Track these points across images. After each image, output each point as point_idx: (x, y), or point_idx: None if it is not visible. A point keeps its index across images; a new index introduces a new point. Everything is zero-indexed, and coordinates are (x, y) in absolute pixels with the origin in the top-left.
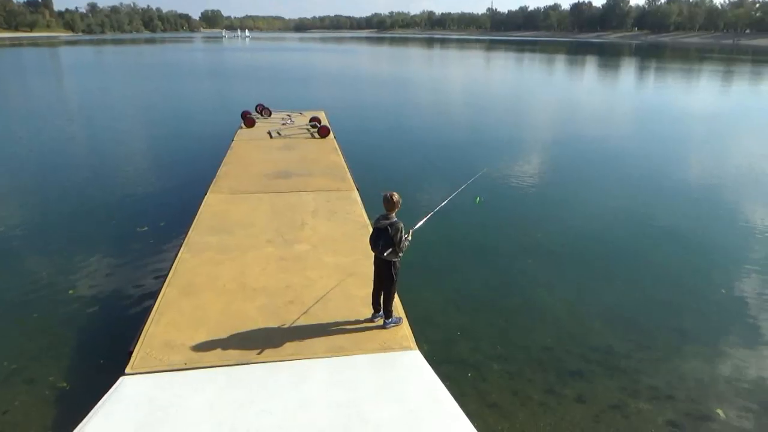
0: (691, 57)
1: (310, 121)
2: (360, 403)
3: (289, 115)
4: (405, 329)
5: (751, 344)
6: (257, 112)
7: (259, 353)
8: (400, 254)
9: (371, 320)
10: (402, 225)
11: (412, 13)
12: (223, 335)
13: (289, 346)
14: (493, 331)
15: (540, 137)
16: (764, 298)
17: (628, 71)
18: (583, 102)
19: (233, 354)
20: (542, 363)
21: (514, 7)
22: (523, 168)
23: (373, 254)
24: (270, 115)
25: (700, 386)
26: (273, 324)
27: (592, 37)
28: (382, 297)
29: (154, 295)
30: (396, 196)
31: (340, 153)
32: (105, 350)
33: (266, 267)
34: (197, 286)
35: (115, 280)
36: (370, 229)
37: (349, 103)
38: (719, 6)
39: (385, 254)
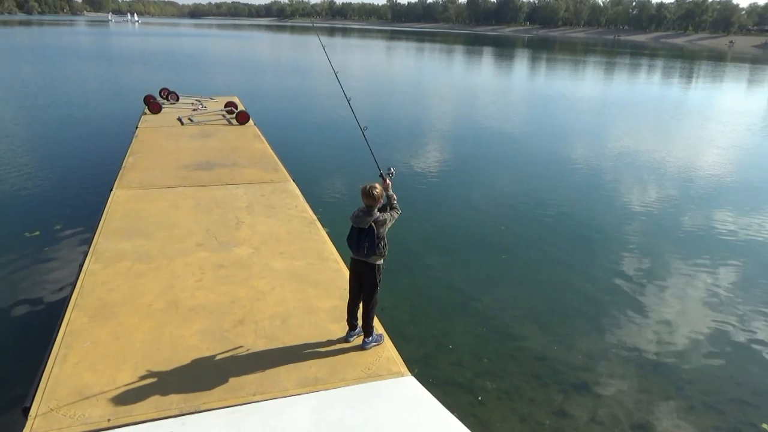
0: (578, 50)
1: (225, 106)
2: None
3: (199, 101)
4: (389, 350)
5: None
6: (162, 97)
7: (210, 396)
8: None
9: (346, 340)
10: (387, 216)
11: (313, 2)
12: (158, 374)
13: (249, 383)
14: (473, 340)
15: (453, 127)
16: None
17: (527, 63)
18: (489, 92)
19: (175, 400)
20: (539, 376)
21: None
22: (442, 159)
23: (321, 260)
24: (177, 100)
25: (730, 391)
26: (222, 353)
27: (488, 30)
28: (360, 310)
29: (54, 322)
30: (378, 190)
31: (264, 140)
32: None
33: (202, 278)
34: (113, 307)
35: None
36: (319, 226)
37: (262, 89)
38: (601, 3)
39: (370, 257)
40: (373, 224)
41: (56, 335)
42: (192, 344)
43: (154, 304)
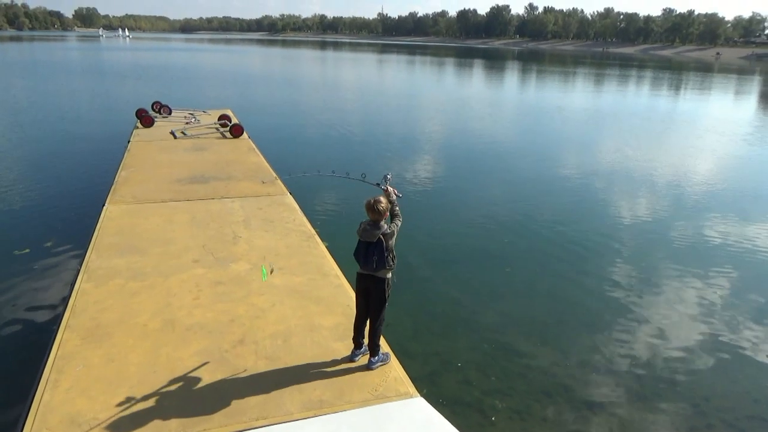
0: (569, 62)
1: (219, 119)
2: None
3: (192, 114)
4: (396, 369)
5: None
6: (154, 110)
7: (210, 422)
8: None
9: (351, 359)
10: (394, 227)
11: (303, 16)
12: (154, 398)
13: (251, 407)
14: (479, 356)
15: (451, 139)
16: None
17: (520, 75)
18: (485, 103)
19: (173, 426)
20: (549, 394)
21: (404, 13)
22: (439, 169)
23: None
24: (170, 113)
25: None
26: (221, 374)
27: (478, 43)
28: (367, 327)
29: (44, 345)
30: (383, 204)
31: (259, 153)
32: None
33: (199, 295)
34: (107, 328)
35: None
36: (318, 240)
37: (255, 102)
38: (589, 17)
39: (379, 271)
40: (381, 237)
41: (47, 359)
42: (190, 366)
43: (150, 323)
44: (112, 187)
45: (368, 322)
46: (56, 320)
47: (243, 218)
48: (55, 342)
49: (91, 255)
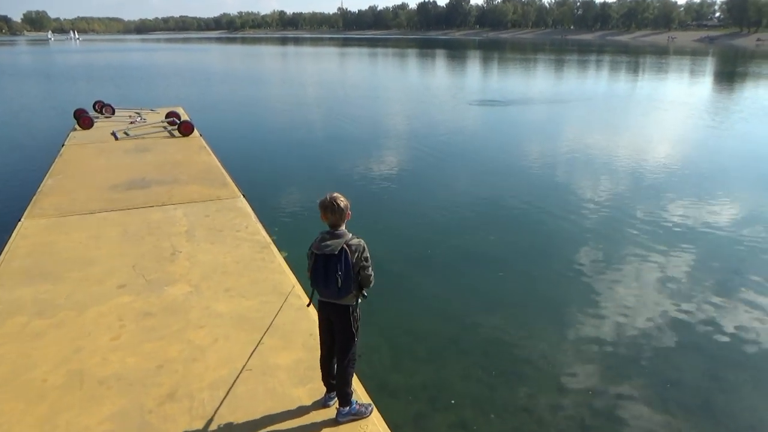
0: (528, 50)
1: (166, 117)
2: None
3: (138, 113)
4: (375, 422)
5: None
6: (96, 110)
7: None
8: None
9: (324, 405)
10: (365, 243)
11: (263, 13)
12: None
13: None
14: (474, 387)
15: (423, 131)
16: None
17: (491, 64)
18: (463, 91)
19: None
20: None
21: (364, 7)
22: (413, 164)
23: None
24: (113, 113)
25: None
26: None
27: (439, 34)
28: (335, 368)
29: None
30: (342, 200)
31: (211, 152)
32: None
33: (120, 333)
34: None
35: None
36: (275, 251)
37: (210, 99)
38: (547, 5)
39: (344, 296)
40: (345, 247)
41: None
42: None
43: (50, 378)
44: (33, 199)
45: (336, 362)
46: None
47: (186, 228)
48: None
49: None
